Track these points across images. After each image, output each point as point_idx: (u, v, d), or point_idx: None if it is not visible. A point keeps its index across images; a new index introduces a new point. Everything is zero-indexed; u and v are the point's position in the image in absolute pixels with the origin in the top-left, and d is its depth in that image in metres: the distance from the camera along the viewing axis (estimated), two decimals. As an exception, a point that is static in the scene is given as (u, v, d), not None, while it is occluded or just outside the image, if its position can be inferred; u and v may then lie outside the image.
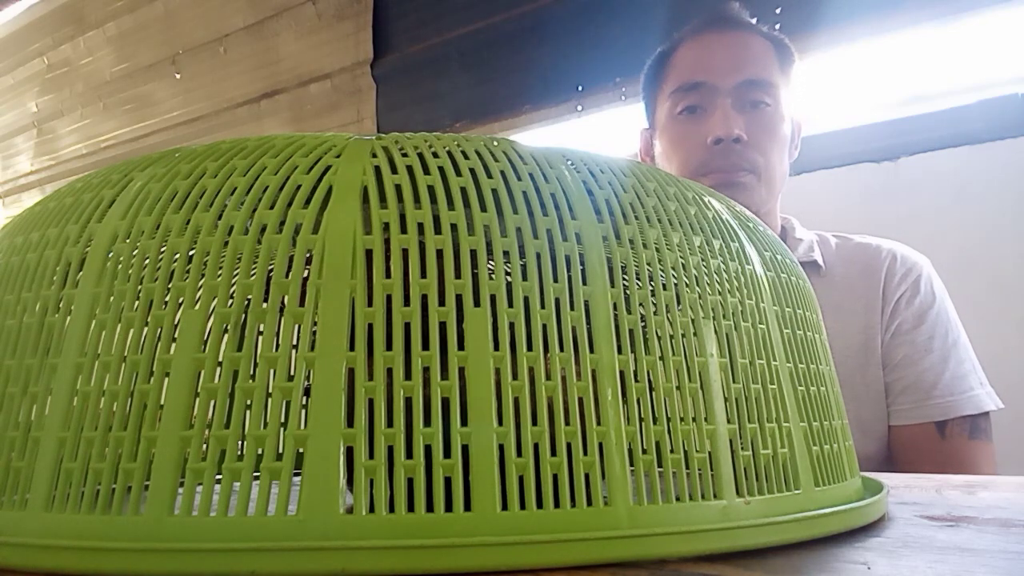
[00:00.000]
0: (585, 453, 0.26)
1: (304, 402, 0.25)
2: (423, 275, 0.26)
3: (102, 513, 0.25)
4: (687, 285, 0.30)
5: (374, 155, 0.29)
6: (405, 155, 0.29)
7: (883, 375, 0.83)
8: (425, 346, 0.26)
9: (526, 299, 0.27)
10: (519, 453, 0.25)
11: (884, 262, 0.86)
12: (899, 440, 0.82)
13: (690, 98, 0.86)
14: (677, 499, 0.27)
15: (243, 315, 0.26)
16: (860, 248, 0.90)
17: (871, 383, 0.83)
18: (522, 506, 0.25)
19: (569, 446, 0.26)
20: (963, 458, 0.78)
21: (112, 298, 0.27)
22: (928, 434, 0.80)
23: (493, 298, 0.26)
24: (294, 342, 0.26)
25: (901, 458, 0.81)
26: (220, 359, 0.26)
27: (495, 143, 0.31)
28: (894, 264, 0.86)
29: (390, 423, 0.25)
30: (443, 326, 0.26)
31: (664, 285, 0.30)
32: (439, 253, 0.27)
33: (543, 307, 0.27)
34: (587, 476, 0.26)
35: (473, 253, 0.27)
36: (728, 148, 0.83)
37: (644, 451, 0.27)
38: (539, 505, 0.25)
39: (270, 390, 0.26)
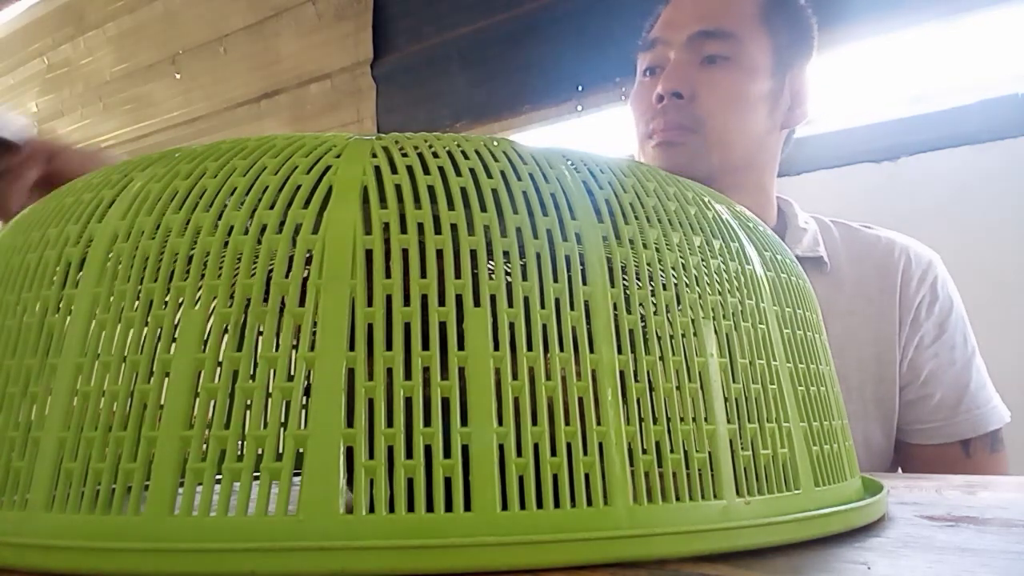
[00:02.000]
0: (585, 453, 0.26)
1: (304, 402, 0.25)
2: (423, 275, 0.26)
3: (102, 513, 0.25)
4: (687, 285, 0.30)
5: (374, 155, 0.29)
6: (405, 155, 0.29)
7: (902, 392, 0.77)
8: (425, 346, 0.26)
9: (526, 299, 0.27)
10: (519, 453, 0.25)
11: (899, 262, 0.79)
12: (921, 459, 0.78)
13: (648, 58, 0.80)
14: (677, 499, 0.27)
15: (243, 315, 0.26)
16: (870, 244, 0.82)
17: (883, 399, 0.77)
18: (522, 506, 0.25)
19: (569, 446, 0.26)
20: (985, 473, 0.75)
21: (112, 298, 0.27)
22: (954, 453, 0.77)
23: (493, 298, 0.26)
24: (294, 342, 0.26)
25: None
26: (220, 359, 0.26)
27: (495, 143, 0.31)
28: (909, 266, 0.79)
29: (390, 423, 0.25)
30: (443, 326, 0.26)
31: (664, 285, 0.30)
32: (439, 253, 0.27)
33: (543, 307, 0.27)
34: (587, 476, 0.26)
35: (473, 253, 0.27)
36: (669, 105, 0.75)
37: (644, 451, 0.27)
38: (539, 505, 0.25)
39: (270, 390, 0.26)
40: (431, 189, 0.28)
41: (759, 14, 0.77)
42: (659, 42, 0.78)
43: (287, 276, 0.26)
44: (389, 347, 0.25)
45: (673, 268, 0.30)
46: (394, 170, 0.28)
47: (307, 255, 0.27)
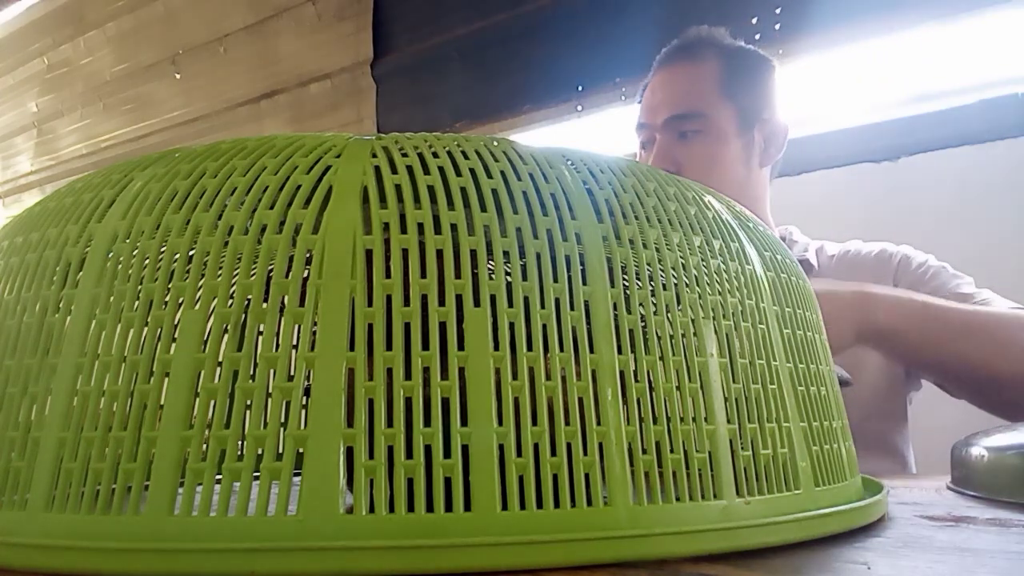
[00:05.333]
0: (585, 453, 0.26)
1: (304, 402, 0.25)
2: (423, 275, 0.26)
3: (102, 513, 0.25)
4: (687, 285, 0.30)
5: (374, 155, 0.29)
6: (405, 155, 0.29)
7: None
8: (425, 346, 0.26)
9: (526, 299, 0.27)
10: (519, 453, 0.25)
11: (895, 258, 0.88)
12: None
13: (641, 135, 0.96)
14: (677, 499, 0.27)
15: (243, 315, 0.26)
16: (870, 253, 0.91)
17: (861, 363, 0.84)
18: (522, 506, 0.25)
19: (569, 446, 0.26)
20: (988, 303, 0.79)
21: (112, 298, 0.27)
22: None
23: (493, 298, 0.26)
24: (294, 342, 0.26)
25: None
26: (220, 359, 0.26)
27: (495, 143, 0.31)
28: (907, 260, 0.88)
29: (390, 423, 0.25)
30: (443, 326, 0.26)
31: (664, 285, 0.29)
32: (439, 253, 0.27)
33: (543, 307, 0.27)
34: (587, 476, 0.26)
35: (473, 253, 0.27)
36: None
37: (644, 451, 0.27)
38: (539, 505, 0.25)
39: (270, 390, 0.26)
40: (431, 189, 0.28)
41: (719, 89, 0.92)
42: (645, 125, 0.95)
43: (287, 276, 0.26)
44: (389, 347, 0.25)
45: (673, 268, 0.30)
46: (394, 170, 0.28)
47: (307, 255, 0.27)
